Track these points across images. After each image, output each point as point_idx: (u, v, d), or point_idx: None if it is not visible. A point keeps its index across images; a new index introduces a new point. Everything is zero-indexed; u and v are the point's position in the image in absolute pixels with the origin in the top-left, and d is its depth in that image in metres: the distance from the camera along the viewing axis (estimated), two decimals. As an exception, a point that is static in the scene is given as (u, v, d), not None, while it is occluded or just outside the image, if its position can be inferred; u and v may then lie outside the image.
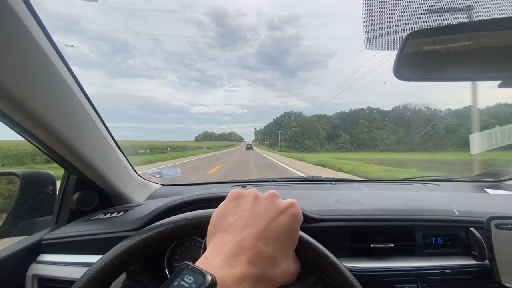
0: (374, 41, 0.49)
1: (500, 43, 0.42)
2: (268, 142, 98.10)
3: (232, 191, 0.41)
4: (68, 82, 0.59)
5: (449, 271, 0.60)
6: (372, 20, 0.47)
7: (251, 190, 0.40)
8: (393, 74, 0.44)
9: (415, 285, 0.58)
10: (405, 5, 0.47)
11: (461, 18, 0.46)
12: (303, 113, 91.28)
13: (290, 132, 73.61)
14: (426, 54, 0.45)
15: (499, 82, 0.44)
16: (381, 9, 0.46)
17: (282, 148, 70.88)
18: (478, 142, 1.15)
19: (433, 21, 0.46)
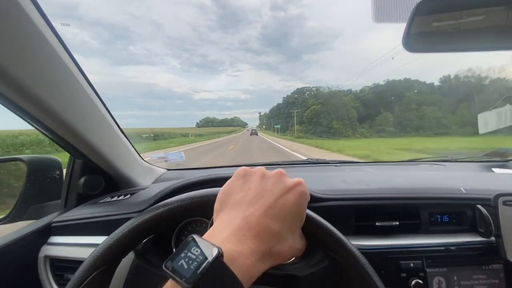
0: (382, 12, 0.47)
1: (509, 13, 0.40)
2: (278, 126, 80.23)
3: (239, 169, 0.40)
4: (70, 68, 0.60)
5: (454, 248, 0.60)
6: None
7: (259, 168, 0.40)
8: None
9: (420, 261, 0.59)
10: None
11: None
12: (321, 89, 71.70)
13: (310, 112, 56.42)
14: (436, 24, 0.42)
15: (514, 52, 0.42)
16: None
17: (298, 134, 53.68)
18: (485, 121, 1.12)
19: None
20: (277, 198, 0.35)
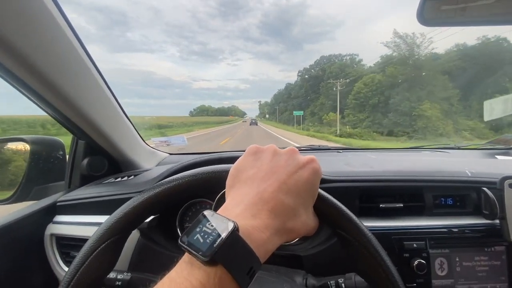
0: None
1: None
2: (301, 113, 48.63)
3: (251, 146, 0.40)
4: (77, 48, 0.60)
5: (457, 229, 0.60)
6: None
7: (270, 146, 0.39)
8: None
9: (423, 242, 0.59)
10: None
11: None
12: (361, 61, 46.95)
13: (363, 90, 31.34)
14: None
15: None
16: None
17: (345, 130, 27.58)
18: (491, 108, 1.11)
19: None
20: (291, 174, 0.35)
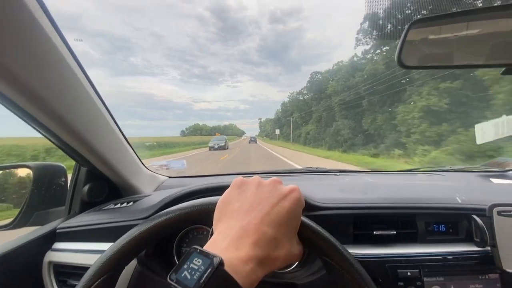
0: (377, 30, 0.49)
1: (502, 30, 0.42)
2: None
3: (236, 179, 0.43)
4: (78, 77, 0.61)
5: (451, 257, 0.61)
6: (375, 8, 0.47)
7: (254, 178, 0.42)
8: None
9: (417, 270, 0.59)
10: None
11: (461, 5, 0.46)
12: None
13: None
14: (427, 42, 0.45)
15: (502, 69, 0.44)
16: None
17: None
18: (483, 132, 1.14)
19: (435, 10, 0.46)
20: (273, 205, 0.37)
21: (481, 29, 0.44)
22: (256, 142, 45.09)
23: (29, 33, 0.47)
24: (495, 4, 0.45)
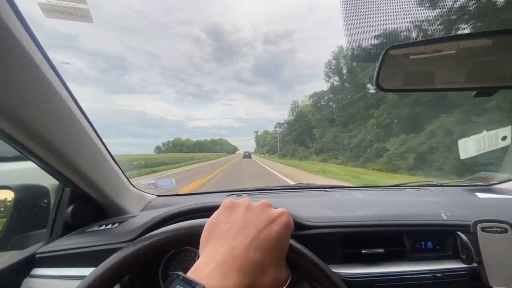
0: (356, 54, 0.52)
1: (472, 56, 0.45)
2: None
3: (226, 200, 0.42)
4: (62, 96, 0.60)
5: (439, 274, 0.61)
6: (354, 34, 0.50)
7: (244, 200, 0.42)
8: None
9: None
10: (384, 19, 0.50)
11: (436, 32, 0.49)
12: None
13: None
14: (403, 66, 0.47)
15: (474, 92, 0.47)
16: (361, 23, 0.48)
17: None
18: (466, 147, 1.18)
19: (411, 36, 0.48)
20: (261, 230, 0.36)
21: (455, 54, 0.47)
22: (250, 158, 42.35)
23: (8, 53, 0.46)
24: (466, 32, 0.48)
